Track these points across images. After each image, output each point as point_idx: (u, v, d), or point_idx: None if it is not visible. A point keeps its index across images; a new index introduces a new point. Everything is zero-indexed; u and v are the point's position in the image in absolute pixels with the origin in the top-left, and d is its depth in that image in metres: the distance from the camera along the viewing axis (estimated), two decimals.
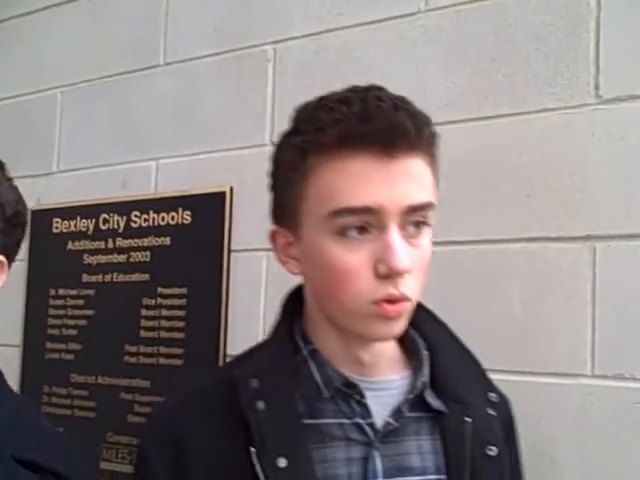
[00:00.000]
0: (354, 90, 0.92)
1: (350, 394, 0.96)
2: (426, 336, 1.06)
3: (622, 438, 1.33)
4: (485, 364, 1.44)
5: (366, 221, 0.89)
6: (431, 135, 0.93)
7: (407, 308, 0.92)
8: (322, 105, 0.91)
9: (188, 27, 1.95)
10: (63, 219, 2.11)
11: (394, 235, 0.89)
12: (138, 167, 1.99)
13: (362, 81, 1.56)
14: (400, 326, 0.93)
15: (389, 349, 1.02)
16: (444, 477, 0.97)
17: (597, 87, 1.41)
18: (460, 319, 1.47)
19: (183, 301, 1.87)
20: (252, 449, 0.90)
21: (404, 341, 1.05)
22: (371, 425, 0.96)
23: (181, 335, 1.86)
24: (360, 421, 0.96)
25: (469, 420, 0.99)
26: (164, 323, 1.89)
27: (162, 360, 1.88)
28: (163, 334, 1.89)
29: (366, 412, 0.97)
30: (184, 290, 1.87)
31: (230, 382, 0.95)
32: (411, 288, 0.91)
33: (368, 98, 0.89)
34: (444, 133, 1.53)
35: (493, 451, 0.99)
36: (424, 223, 0.92)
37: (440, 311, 1.49)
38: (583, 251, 1.39)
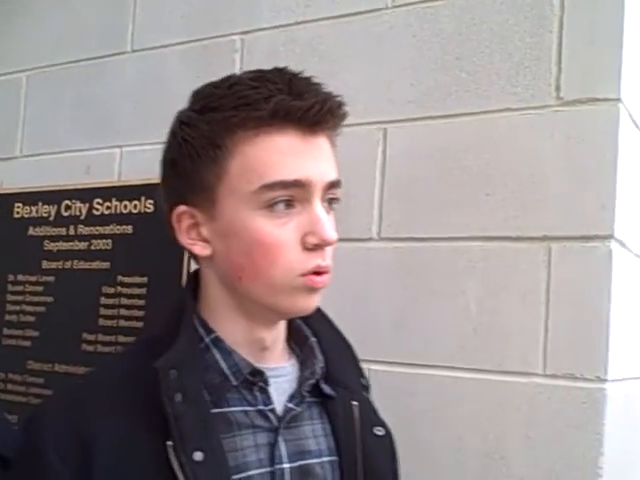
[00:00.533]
0: (269, 71, 0.95)
1: (255, 382, 0.98)
2: (309, 323, 1.08)
3: (570, 437, 1.34)
4: (440, 361, 1.46)
5: (293, 195, 0.92)
6: (345, 117, 0.97)
7: (329, 279, 0.96)
8: (238, 83, 0.92)
9: (156, 14, 1.94)
10: (25, 204, 2.09)
11: (320, 208, 0.93)
12: (102, 154, 1.97)
13: (329, 74, 1.57)
14: (319, 299, 0.97)
15: (282, 335, 1.05)
16: (336, 458, 1.01)
17: (558, 88, 1.41)
18: (417, 316, 1.49)
19: (143, 290, 1.85)
20: (169, 443, 0.88)
21: (290, 328, 1.07)
22: (273, 411, 0.98)
23: (140, 324, 1.85)
24: (263, 408, 0.98)
25: (356, 404, 1.05)
26: (123, 312, 1.87)
27: (120, 349, 1.86)
28: (122, 323, 1.87)
29: (267, 399, 0.99)
30: (144, 279, 1.85)
31: (143, 374, 0.92)
32: (331, 260, 0.96)
33: (292, 77, 0.93)
34: (408, 130, 1.56)
35: (381, 431, 1.05)
36: (335, 200, 0.97)
37: (398, 307, 1.51)
38: (539, 251, 1.40)
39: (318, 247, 0.93)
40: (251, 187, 0.91)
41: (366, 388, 1.13)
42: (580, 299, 1.36)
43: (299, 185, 0.91)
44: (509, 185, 1.44)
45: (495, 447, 1.40)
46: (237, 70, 1.76)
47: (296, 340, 1.08)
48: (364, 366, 1.47)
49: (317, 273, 0.94)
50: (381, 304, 1.54)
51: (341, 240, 1.57)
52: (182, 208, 0.97)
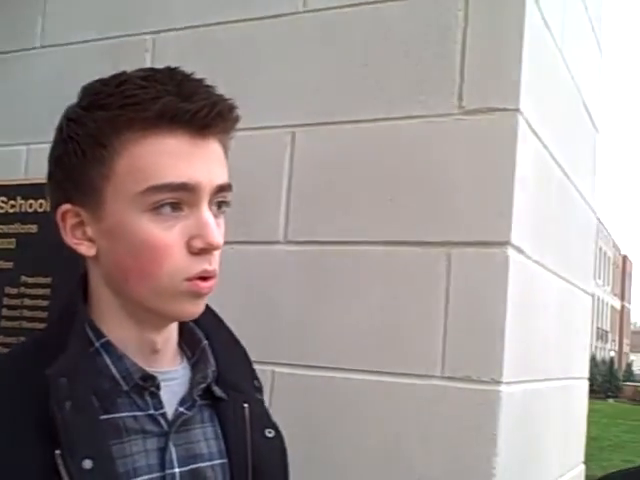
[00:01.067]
0: (159, 70, 0.93)
1: (147, 387, 0.96)
2: (202, 326, 1.07)
3: (466, 437, 1.37)
4: (343, 364, 1.48)
5: (180, 198, 0.90)
6: (237, 120, 0.95)
7: (215, 284, 0.94)
8: (127, 81, 0.90)
9: (66, 10, 1.91)
10: None
11: (207, 212, 0.92)
12: (8, 151, 1.92)
13: (238, 78, 1.57)
14: (205, 304, 0.96)
15: (173, 337, 1.03)
16: (226, 461, 1.01)
17: (460, 97, 1.45)
18: (321, 318, 1.50)
19: (47, 291, 1.81)
20: (57, 452, 0.85)
21: (182, 331, 1.05)
22: (164, 416, 0.97)
23: (43, 325, 1.81)
24: (153, 412, 0.97)
25: (246, 406, 1.04)
26: (26, 313, 1.83)
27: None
28: (25, 324, 1.83)
29: (158, 403, 0.97)
30: (48, 280, 1.81)
31: (30, 380, 0.89)
32: (218, 265, 0.94)
33: (182, 78, 0.91)
34: (316, 134, 1.57)
35: (271, 433, 1.05)
36: (225, 203, 0.96)
37: (303, 310, 1.52)
38: (439, 256, 1.43)
39: (204, 251, 0.91)
40: (137, 188, 0.89)
41: (259, 390, 1.13)
42: (478, 303, 1.40)
43: (187, 188, 0.90)
44: (411, 191, 1.47)
45: (393, 447, 1.43)
46: None
47: (188, 342, 1.06)
48: (268, 368, 1.48)
49: (203, 278, 0.92)
50: (286, 307, 1.55)
51: (248, 243, 1.58)
52: (66, 207, 0.94)
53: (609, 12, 2.40)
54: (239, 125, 0.96)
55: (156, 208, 0.90)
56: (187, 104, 0.89)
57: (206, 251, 0.91)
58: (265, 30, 1.65)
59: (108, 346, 0.96)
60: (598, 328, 54.10)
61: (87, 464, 0.86)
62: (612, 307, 58.04)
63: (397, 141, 1.50)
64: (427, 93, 1.48)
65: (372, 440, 1.44)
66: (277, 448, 1.07)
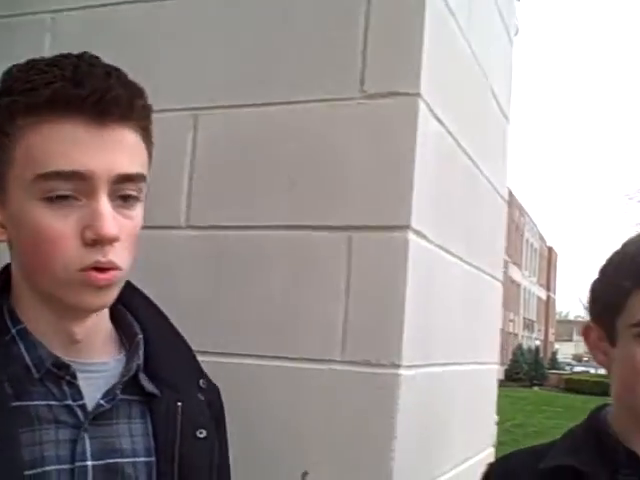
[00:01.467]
0: (66, 56, 0.91)
1: (62, 375, 0.94)
2: (141, 320, 1.06)
3: (366, 421, 1.38)
4: (246, 349, 1.46)
5: (75, 187, 0.88)
6: (144, 107, 0.93)
7: (118, 277, 0.92)
8: (33, 67, 0.89)
9: None
10: None
11: (103, 202, 0.89)
12: None
13: (140, 60, 1.54)
14: (111, 296, 0.93)
15: (104, 329, 1.02)
16: (154, 459, 0.99)
17: (362, 82, 1.45)
18: (223, 303, 1.48)
19: None
20: None
21: (121, 325, 1.05)
22: (83, 407, 0.95)
23: None
24: (70, 403, 0.94)
25: (180, 404, 1.02)
26: None
27: None
28: None
29: (77, 394, 0.95)
30: None
31: None
32: (121, 257, 0.91)
33: (80, 64, 0.89)
34: (218, 117, 1.55)
35: (203, 434, 1.02)
36: (135, 196, 0.93)
37: (206, 295, 1.50)
38: (341, 240, 1.43)
39: (97, 242, 0.88)
40: (29, 176, 0.87)
41: (203, 390, 1.09)
42: (378, 287, 1.40)
43: (80, 177, 0.87)
44: (314, 175, 1.46)
45: (294, 433, 1.42)
46: (46, 51, 1.69)
47: (127, 336, 1.04)
48: None
49: (99, 269, 0.89)
50: (188, 292, 1.52)
51: (148, 228, 1.53)
52: None
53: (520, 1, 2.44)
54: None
55: (50, 197, 0.87)
56: (79, 90, 0.86)
57: (99, 242, 0.89)
58: (168, 12, 1.62)
59: (24, 333, 0.94)
60: (525, 318, 55.51)
61: None
62: (538, 297, 59.62)
63: (299, 125, 1.48)
64: (329, 77, 1.47)
65: (272, 426, 1.43)
66: (208, 449, 1.04)
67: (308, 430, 1.42)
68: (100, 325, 1.01)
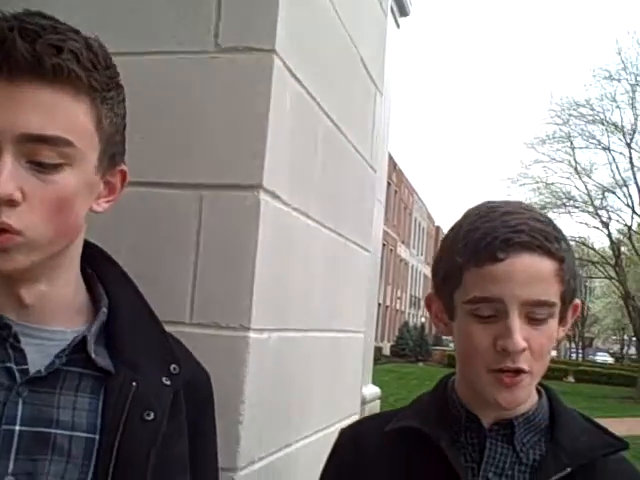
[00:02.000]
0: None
1: (4, 336, 0.92)
2: (112, 295, 1.03)
3: (214, 385, 1.34)
4: None
5: None
6: (60, 67, 0.86)
7: (14, 241, 0.87)
8: None
9: None
10: None
11: (8, 162, 0.85)
12: None
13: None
14: (11, 261, 0.89)
15: (61, 299, 0.98)
16: (97, 437, 0.94)
17: (217, 36, 1.40)
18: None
19: None
20: None
21: (92, 297, 1.02)
22: (25, 372, 0.91)
23: None
24: (12, 366, 0.91)
25: (134, 384, 0.98)
26: None
27: None
28: None
29: (22, 358, 0.92)
30: None
31: None
32: (24, 221, 0.87)
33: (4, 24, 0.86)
34: None
35: (150, 416, 0.97)
36: (57, 164, 0.88)
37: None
38: (192, 199, 1.38)
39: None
40: None
41: (172, 375, 1.02)
42: (229, 249, 1.36)
43: None
44: (164, 130, 1.40)
45: None
46: None
47: (96, 309, 1.01)
48: None
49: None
50: None
51: None
52: None
53: None
54: None
55: None
56: None
57: None
58: None
59: None
60: (411, 296, 56.93)
61: None
62: (425, 275, 61.15)
63: (153, 77, 1.42)
64: (183, 29, 1.41)
65: None
66: (152, 432, 0.97)
67: None
68: (54, 293, 0.96)
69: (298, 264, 1.60)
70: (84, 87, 0.89)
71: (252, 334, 1.34)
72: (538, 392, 1.19)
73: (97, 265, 1.06)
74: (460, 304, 1.09)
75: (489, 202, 1.14)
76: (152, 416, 0.97)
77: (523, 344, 1.04)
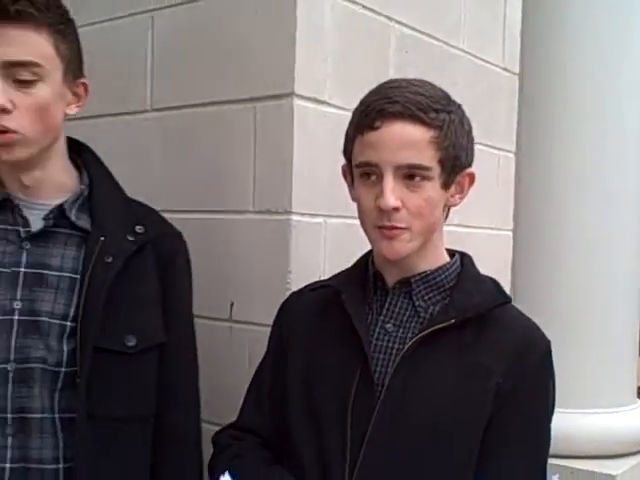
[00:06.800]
0: None
1: (11, 207, 1.34)
2: (91, 177, 1.42)
3: (268, 258, 1.66)
4: (176, 205, 1.77)
5: None
6: (19, 12, 1.24)
7: (14, 138, 1.26)
8: None
9: None
10: None
11: None
12: None
13: None
14: (12, 153, 1.28)
15: (54, 181, 1.37)
16: (78, 276, 1.33)
17: None
18: (171, 171, 1.80)
19: None
20: None
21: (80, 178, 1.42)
22: (28, 232, 1.34)
23: None
24: (19, 228, 1.34)
25: (102, 238, 1.35)
26: None
27: None
28: None
29: (26, 223, 1.34)
30: None
31: None
32: (18, 123, 1.25)
33: None
34: (169, 17, 1.84)
35: (109, 259, 1.33)
36: (31, 80, 1.26)
37: (157, 167, 1.82)
38: (249, 111, 1.69)
39: None
40: None
41: (137, 234, 1.37)
42: (276, 149, 1.66)
43: None
44: (228, 59, 1.72)
45: (223, 272, 1.74)
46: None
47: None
48: None
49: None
50: (151, 167, 1.87)
51: (118, 114, 1.89)
52: None
53: None
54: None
55: None
56: None
57: None
58: None
59: None
60: None
61: None
62: None
63: (214, 19, 1.75)
64: None
65: (202, 269, 1.69)
66: (108, 270, 1.32)
67: (233, 270, 1.73)
68: (47, 177, 1.36)
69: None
70: (41, 24, 1.26)
71: (294, 217, 1.63)
72: (452, 256, 1.33)
73: (83, 157, 1.43)
74: (355, 170, 1.26)
75: (390, 80, 1.27)
76: (110, 259, 1.33)
77: (394, 204, 1.18)
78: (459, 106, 1.27)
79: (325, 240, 1.72)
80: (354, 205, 1.73)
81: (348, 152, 1.28)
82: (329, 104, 1.70)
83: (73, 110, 1.37)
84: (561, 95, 2.56)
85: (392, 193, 1.18)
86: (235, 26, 1.71)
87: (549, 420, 1.29)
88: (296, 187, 1.64)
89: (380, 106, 1.19)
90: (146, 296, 1.39)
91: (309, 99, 1.65)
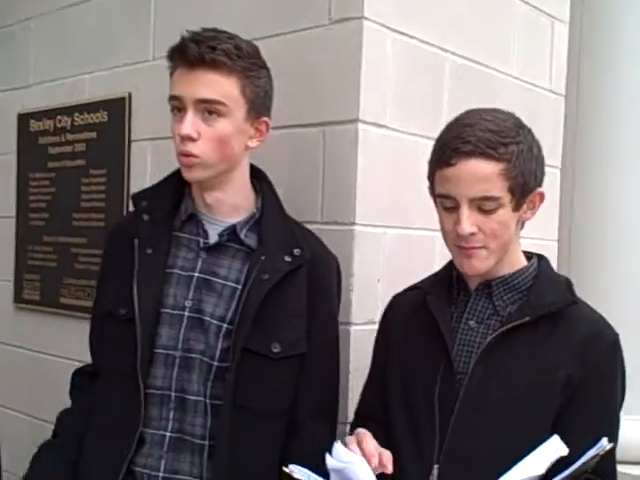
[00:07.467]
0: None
1: (197, 221, 1.64)
2: (264, 200, 1.68)
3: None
4: None
5: (175, 105, 1.57)
6: (214, 60, 1.51)
7: (193, 162, 1.54)
8: None
9: None
10: (36, 120, 2.81)
11: (189, 114, 1.53)
12: (77, 80, 2.64)
13: None
14: (193, 174, 1.56)
15: (231, 201, 1.64)
16: (239, 287, 1.59)
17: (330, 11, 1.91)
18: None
19: (104, 179, 2.53)
20: (135, 241, 1.60)
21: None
22: (206, 244, 1.63)
23: (103, 204, 2.54)
24: (200, 239, 1.63)
25: (263, 257, 1.59)
26: (94, 195, 2.57)
27: (92, 223, 2.57)
28: (94, 203, 2.57)
29: (205, 235, 1.63)
30: (103, 171, 2.53)
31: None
32: (198, 149, 1.53)
33: (186, 36, 1.55)
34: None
35: (266, 277, 1.57)
36: (215, 112, 1.53)
37: None
38: (319, 135, 1.93)
39: (182, 138, 1.54)
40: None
41: (295, 256, 1.59)
42: (342, 168, 1.89)
43: (175, 98, 1.54)
44: (299, 86, 1.96)
45: None
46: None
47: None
48: None
49: (182, 154, 1.56)
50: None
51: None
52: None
53: None
54: None
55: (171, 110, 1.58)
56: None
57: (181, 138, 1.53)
58: None
59: (188, 197, 1.67)
60: None
61: (149, 250, 1.61)
62: None
63: (290, 52, 1.99)
64: (305, 12, 1.95)
65: None
66: (265, 286, 1.55)
67: None
68: (226, 198, 1.63)
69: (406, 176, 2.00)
70: (232, 71, 1.52)
71: (357, 227, 1.86)
72: (529, 259, 1.52)
73: (261, 183, 1.71)
74: (436, 197, 1.46)
75: (465, 113, 1.45)
76: (267, 277, 1.58)
77: (470, 230, 1.36)
78: (528, 131, 1.41)
79: (384, 248, 1.95)
80: (410, 217, 1.98)
81: (430, 179, 1.47)
82: (389, 128, 1.93)
83: (254, 144, 1.64)
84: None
85: (468, 221, 1.36)
86: (308, 60, 1.95)
87: (617, 408, 1.44)
88: (359, 201, 1.87)
89: (455, 145, 1.36)
90: (294, 311, 1.61)
91: (371, 124, 1.88)
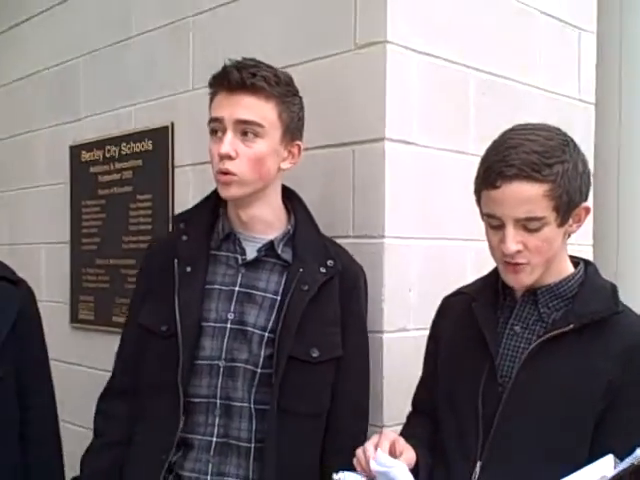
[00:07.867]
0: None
1: (233, 239, 1.74)
2: (297, 217, 1.79)
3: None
4: None
5: (215, 126, 1.71)
6: (254, 85, 1.65)
7: (230, 179, 1.65)
8: None
9: None
10: (87, 151, 2.97)
11: (224, 136, 1.67)
12: (124, 112, 2.79)
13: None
14: (230, 191, 1.67)
15: (265, 218, 1.75)
16: (278, 298, 1.70)
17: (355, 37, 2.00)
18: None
19: (150, 204, 2.67)
20: (176, 261, 1.71)
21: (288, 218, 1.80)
22: (244, 260, 1.74)
23: (150, 227, 2.67)
24: (238, 256, 1.74)
25: (301, 270, 1.70)
26: (141, 219, 2.70)
27: (140, 245, 2.70)
28: (141, 227, 2.70)
29: (243, 252, 1.74)
30: (150, 196, 2.67)
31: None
32: (236, 167, 1.64)
33: (230, 64, 1.69)
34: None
35: (305, 287, 1.68)
36: (253, 133, 1.66)
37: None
38: (348, 153, 2.03)
39: (221, 157, 1.66)
40: None
41: (328, 267, 1.71)
42: (370, 185, 1.98)
43: (216, 120, 1.66)
44: (329, 108, 2.06)
45: None
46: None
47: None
48: None
49: (221, 173, 1.66)
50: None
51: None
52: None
53: None
54: None
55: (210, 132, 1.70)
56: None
57: (221, 157, 1.65)
58: None
59: (224, 216, 1.77)
60: None
61: (188, 269, 1.73)
62: None
63: (312, 78, 2.09)
64: (335, 38, 2.05)
65: None
66: (303, 297, 1.67)
67: None
68: (261, 215, 1.74)
69: (434, 189, 2.08)
70: (270, 95, 1.65)
71: (386, 240, 1.95)
72: (576, 265, 1.53)
73: (292, 201, 1.82)
74: (482, 215, 1.48)
75: (510, 131, 1.45)
76: (306, 288, 1.69)
77: (515, 248, 1.39)
78: (574, 146, 1.42)
79: (414, 258, 2.04)
80: (438, 229, 2.06)
81: (476, 196, 1.49)
82: (416, 144, 2.02)
83: (287, 166, 1.75)
84: None
85: (513, 240, 1.40)
86: (337, 84, 2.05)
87: None
88: (388, 215, 1.95)
89: (499, 169, 1.38)
90: (330, 317, 1.73)
91: (398, 141, 1.97)
